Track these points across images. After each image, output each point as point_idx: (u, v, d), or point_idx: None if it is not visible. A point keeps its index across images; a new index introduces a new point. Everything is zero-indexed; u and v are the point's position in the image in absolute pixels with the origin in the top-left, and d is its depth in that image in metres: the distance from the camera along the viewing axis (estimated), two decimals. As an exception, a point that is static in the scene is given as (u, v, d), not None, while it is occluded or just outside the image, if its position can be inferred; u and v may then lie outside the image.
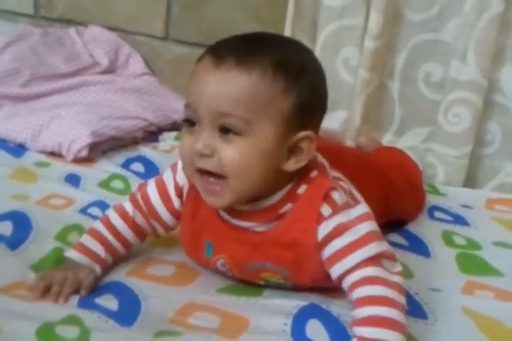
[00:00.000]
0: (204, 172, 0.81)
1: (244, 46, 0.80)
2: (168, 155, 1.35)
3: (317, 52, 1.42)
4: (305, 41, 1.43)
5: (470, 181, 1.38)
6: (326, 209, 0.83)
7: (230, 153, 0.78)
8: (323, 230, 0.83)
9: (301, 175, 0.85)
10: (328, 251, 0.84)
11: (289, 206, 0.85)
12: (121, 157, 1.35)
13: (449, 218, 1.22)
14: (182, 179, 0.92)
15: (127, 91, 1.54)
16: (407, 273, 0.98)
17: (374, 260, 0.82)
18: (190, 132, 0.81)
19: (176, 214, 0.94)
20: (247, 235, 0.86)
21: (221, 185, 0.81)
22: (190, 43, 1.64)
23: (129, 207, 0.95)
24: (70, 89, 1.51)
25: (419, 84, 1.41)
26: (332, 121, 1.45)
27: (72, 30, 1.70)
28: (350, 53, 1.41)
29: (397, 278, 0.82)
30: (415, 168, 1.32)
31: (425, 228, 1.16)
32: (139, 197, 0.95)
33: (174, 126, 1.48)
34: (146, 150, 1.38)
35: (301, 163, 0.82)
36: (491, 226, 1.19)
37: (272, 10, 1.53)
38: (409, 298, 0.90)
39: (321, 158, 0.90)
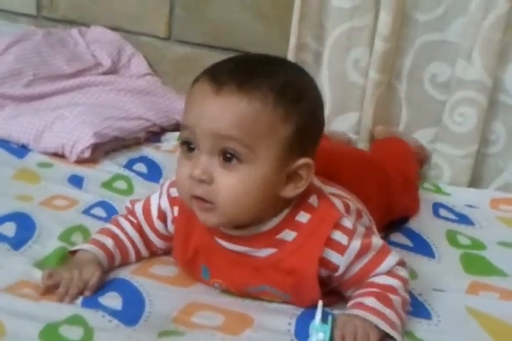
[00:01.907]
0: (200, 199, 0.80)
1: (243, 70, 0.80)
2: (171, 155, 1.35)
3: (326, 54, 1.41)
4: (311, 42, 1.43)
5: (474, 181, 1.37)
6: (341, 237, 0.83)
7: (230, 182, 0.78)
8: (347, 258, 0.83)
9: (298, 200, 0.84)
10: (348, 274, 0.84)
11: (287, 233, 0.84)
12: (124, 157, 1.35)
13: (454, 217, 1.22)
14: (165, 203, 0.92)
15: (130, 92, 1.54)
16: (411, 274, 0.97)
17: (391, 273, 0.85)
18: (188, 157, 0.81)
19: (162, 237, 0.95)
20: (246, 259, 0.86)
21: (215, 207, 0.80)
22: (193, 44, 1.64)
23: (131, 217, 0.97)
24: (72, 90, 1.51)
25: (426, 85, 1.40)
26: (343, 124, 1.45)
27: (74, 31, 1.70)
28: (361, 54, 1.40)
29: (405, 273, 0.86)
30: (412, 160, 1.32)
31: (429, 227, 1.16)
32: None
33: (177, 127, 1.48)
34: (148, 151, 1.38)
35: (299, 190, 0.82)
36: (495, 226, 1.19)
37: (276, 10, 1.53)
38: (412, 298, 0.90)
39: (316, 181, 0.89)
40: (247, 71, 0.79)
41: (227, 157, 0.78)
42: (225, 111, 0.77)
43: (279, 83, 0.79)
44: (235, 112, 0.77)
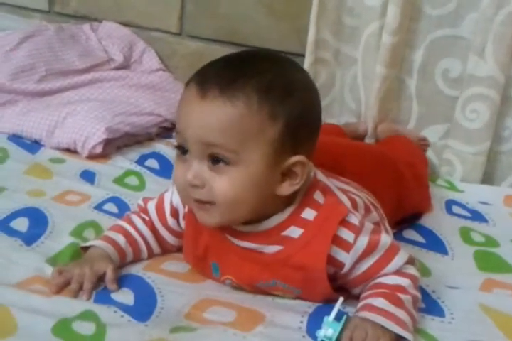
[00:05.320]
0: (198, 200, 0.81)
1: (228, 73, 0.78)
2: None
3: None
4: (331, 39, 1.43)
5: (487, 178, 1.37)
6: (348, 235, 0.82)
7: (221, 184, 0.78)
8: (353, 256, 0.83)
9: (303, 196, 0.84)
10: (354, 273, 0.84)
11: (294, 229, 0.83)
12: (135, 153, 1.35)
13: (467, 214, 1.21)
14: (176, 200, 0.92)
15: (142, 87, 1.54)
16: (424, 271, 0.98)
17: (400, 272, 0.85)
18: (183, 160, 0.81)
19: (176, 234, 0.95)
20: (255, 255, 0.86)
21: (213, 208, 0.80)
22: (205, 39, 1.64)
23: (144, 215, 0.97)
24: (84, 85, 1.51)
25: (437, 80, 1.39)
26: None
27: (86, 26, 1.70)
28: None
29: (414, 271, 0.85)
30: (421, 157, 1.32)
31: (443, 224, 1.15)
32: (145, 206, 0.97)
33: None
34: (160, 147, 1.38)
35: (295, 187, 0.81)
36: (509, 223, 1.19)
37: (287, 5, 1.52)
38: (425, 295, 0.90)
39: (321, 176, 0.88)
40: (232, 73, 0.78)
41: (215, 160, 0.78)
42: (209, 118, 0.77)
43: (264, 82, 0.78)
44: (218, 118, 0.76)
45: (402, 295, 0.82)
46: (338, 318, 0.79)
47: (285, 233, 0.84)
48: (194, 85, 0.79)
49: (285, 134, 0.78)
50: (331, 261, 0.83)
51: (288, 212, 0.84)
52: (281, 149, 0.79)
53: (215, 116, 0.76)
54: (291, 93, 0.79)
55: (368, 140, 1.44)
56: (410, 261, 0.86)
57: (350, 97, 1.48)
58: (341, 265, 0.83)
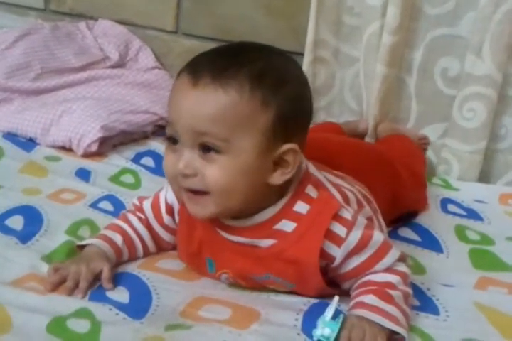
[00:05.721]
0: (189, 190, 0.81)
1: (220, 61, 0.78)
2: (179, 149, 1.35)
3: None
4: (329, 37, 1.43)
5: (483, 176, 1.37)
6: (340, 229, 0.82)
7: (213, 173, 0.78)
8: (344, 250, 0.83)
9: (294, 190, 0.84)
10: (344, 268, 0.85)
11: (285, 223, 0.83)
12: (131, 151, 1.35)
13: (463, 212, 1.21)
14: (171, 197, 0.92)
15: (137, 86, 1.54)
16: (419, 269, 0.98)
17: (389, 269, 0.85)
18: (173, 150, 0.81)
19: (172, 231, 0.95)
20: (249, 249, 0.86)
21: (206, 197, 0.80)
22: (201, 37, 1.64)
23: (139, 214, 0.97)
24: (80, 83, 1.51)
25: (436, 79, 1.39)
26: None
27: (82, 24, 1.70)
28: None
29: (404, 268, 0.86)
30: (420, 157, 1.32)
31: (438, 222, 1.16)
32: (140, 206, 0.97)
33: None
34: (156, 145, 1.38)
35: (287, 176, 0.81)
36: (504, 221, 1.19)
37: (285, 3, 1.52)
38: (420, 293, 0.90)
39: (313, 169, 0.88)
40: (225, 61, 0.78)
41: (206, 149, 0.78)
42: (200, 106, 0.76)
43: (257, 70, 0.78)
44: (210, 106, 0.76)
45: (391, 291, 0.82)
46: (334, 317, 0.79)
47: (277, 227, 0.84)
48: (186, 74, 0.79)
49: (277, 122, 0.78)
50: (323, 254, 0.83)
51: (280, 205, 0.84)
52: (273, 137, 0.79)
53: (206, 103, 0.76)
54: (283, 81, 0.79)
55: (368, 139, 1.44)
56: (401, 259, 0.87)
57: (350, 97, 1.48)
58: (332, 259, 0.84)
